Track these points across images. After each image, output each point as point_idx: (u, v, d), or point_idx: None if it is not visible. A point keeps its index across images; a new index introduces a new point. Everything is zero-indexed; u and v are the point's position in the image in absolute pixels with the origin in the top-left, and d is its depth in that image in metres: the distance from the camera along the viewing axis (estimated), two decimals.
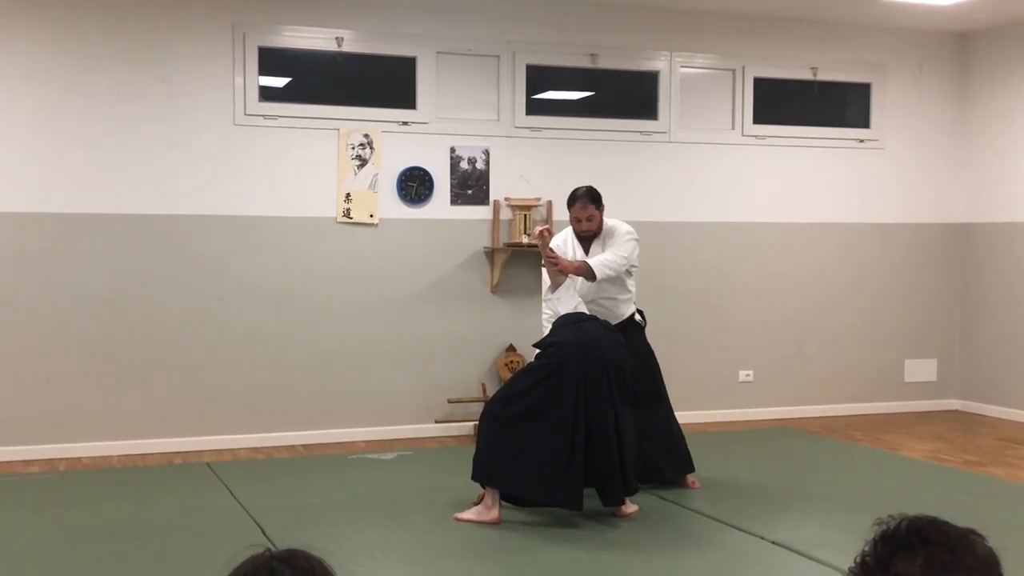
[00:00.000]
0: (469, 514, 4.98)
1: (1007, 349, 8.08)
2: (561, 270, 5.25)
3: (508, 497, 5.01)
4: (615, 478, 4.98)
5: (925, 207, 8.39)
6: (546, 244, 5.30)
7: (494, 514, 4.91)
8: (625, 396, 5.08)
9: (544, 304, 5.49)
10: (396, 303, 7.14)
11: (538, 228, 5.36)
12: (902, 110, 8.30)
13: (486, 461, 5.00)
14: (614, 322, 5.44)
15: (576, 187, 5.56)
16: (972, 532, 1.47)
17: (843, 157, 8.15)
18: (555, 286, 5.38)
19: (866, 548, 1.48)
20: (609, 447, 4.93)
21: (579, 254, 5.47)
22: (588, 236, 5.48)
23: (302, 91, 7.10)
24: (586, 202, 5.42)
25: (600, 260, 5.33)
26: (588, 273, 5.30)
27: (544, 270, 5.44)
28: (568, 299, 5.32)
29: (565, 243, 5.54)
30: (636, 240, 5.48)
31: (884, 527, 1.49)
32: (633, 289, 5.62)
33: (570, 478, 4.87)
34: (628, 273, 5.52)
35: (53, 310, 6.47)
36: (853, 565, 1.49)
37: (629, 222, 7.29)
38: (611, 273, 5.35)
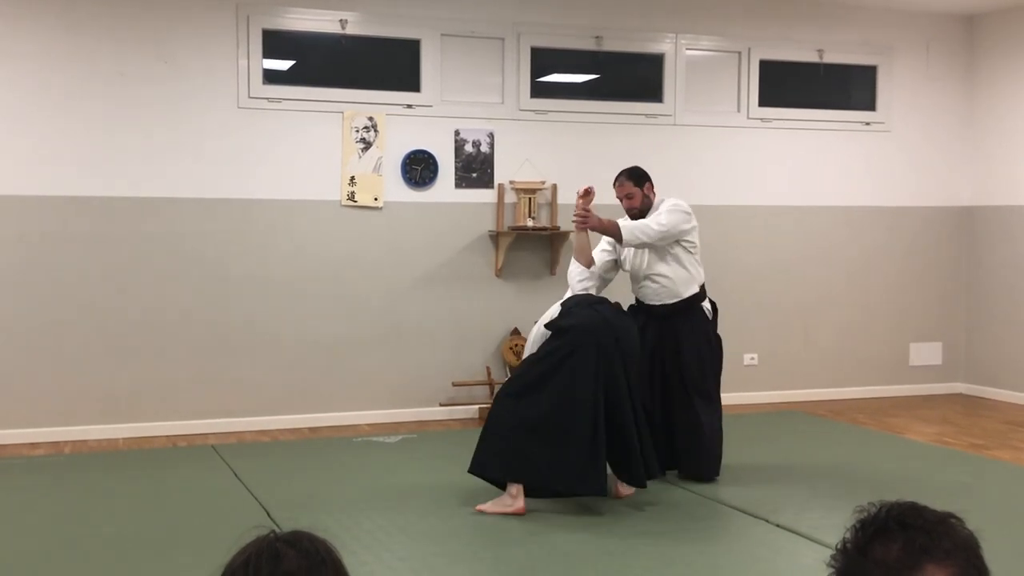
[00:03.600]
0: (492, 506, 4.83)
1: (1013, 332, 8.06)
2: (588, 225, 5.19)
3: (527, 488, 4.87)
4: (636, 459, 4.94)
5: (931, 190, 8.36)
6: (587, 203, 5.21)
7: (519, 504, 4.78)
8: (635, 377, 5.04)
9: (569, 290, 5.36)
10: (400, 286, 7.14)
11: (586, 187, 5.26)
12: (909, 92, 8.26)
13: (503, 454, 4.86)
14: (671, 300, 5.36)
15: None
16: (951, 516, 1.48)
17: (849, 140, 8.12)
18: (582, 258, 5.26)
19: (846, 535, 1.50)
20: (627, 429, 4.89)
21: None
22: (636, 216, 5.40)
23: (306, 74, 7.07)
24: (623, 180, 5.42)
25: (632, 223, 5.27)
26: (617, 232, 5.22)
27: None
28: (579, 289, 5.26)
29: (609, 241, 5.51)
30: (685, 213, 5.33)
31: (863, 513, 1.49)
32: (692, 268, 5.41)
33: (596, 465, 4.80)
34: (685, 250, 5.36)
35: (57, 293, 6.47)
36: (835, 551, 1.50)
37: None
38: (642, 237, 5.22)
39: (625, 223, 5.25)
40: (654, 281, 5.39)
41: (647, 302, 5.41)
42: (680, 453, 5.40)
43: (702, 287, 5.48)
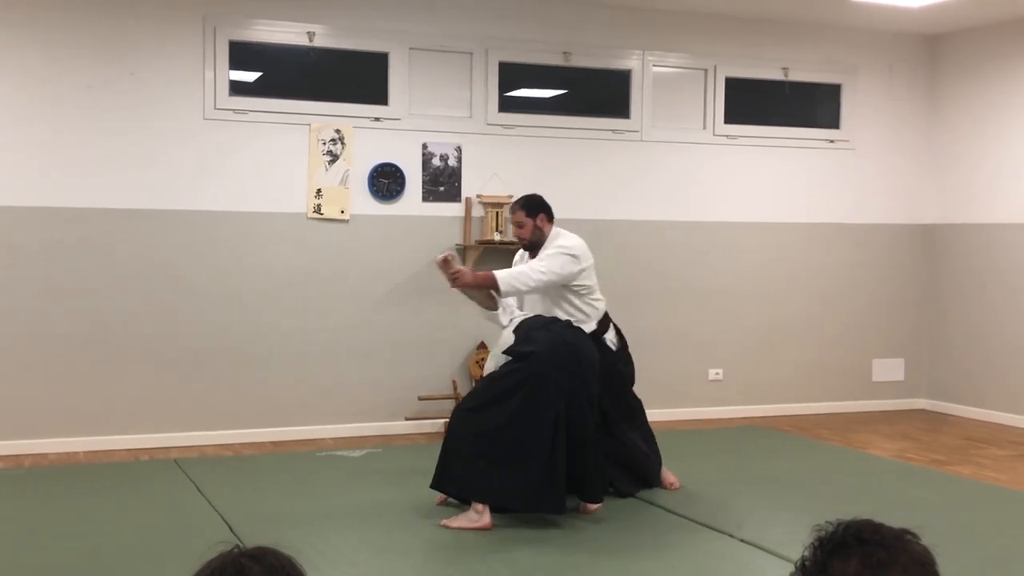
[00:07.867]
0: (457, 521, 4.82)
1: (974, 349, 8.16)
2: (464, 284, 5.09)
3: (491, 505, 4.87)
4: (595, 476, 4.98)
5: (894, 208, 8.46)
6: (449, 268, 5.08)
7: (485, 520, 4.78)
8: (595, 394, 5.07)
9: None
10: (367, 300, 7.12)
11: (442, 255, 5.13)
12: (872, 111, 8.36)
13: (461, 472, 4.88)
14: None
15: None
16: (907, 532, 1.51)
17: (813, 157, 8.20)
18: (488, 304, 5.28)
19: (805, 552, 1.51)
20: (586, 447, 4.92)
21: None
22: (528, 247, 5.39)
23: (273, 86, 7.05)
24: (516, 208, 5.37)
25: (508, 272, 5.13)
26: (494, 284, 5.06)
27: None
28: (506, 320, 5.27)
29: (522, 257, 5.50)
30: (571, 256, 5.18)
31: (822, 531, 1.51)
32: (586, 308, 5.30)
33: (554, 483, 4.82)
34: (576, 294, 5.26)
35: (17, 304, 6.40)
36: (794, 569, 1.52)
37: (600, 220, 7.37)
38: (520, 287, 5.09)
39: (501, 273, 5.09)
40: None
41: None
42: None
43: (601, 321, 5.38)
